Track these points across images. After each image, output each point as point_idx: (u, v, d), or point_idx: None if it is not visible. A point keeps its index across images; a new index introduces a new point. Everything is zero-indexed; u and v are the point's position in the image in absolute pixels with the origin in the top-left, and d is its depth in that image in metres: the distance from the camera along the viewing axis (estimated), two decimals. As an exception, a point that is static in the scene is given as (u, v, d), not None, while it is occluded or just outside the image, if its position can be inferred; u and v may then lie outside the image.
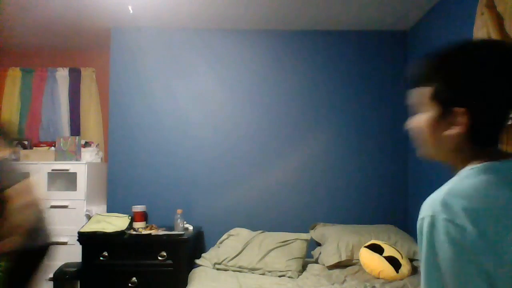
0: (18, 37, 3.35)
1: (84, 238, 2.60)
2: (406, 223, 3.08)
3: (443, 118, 0.78)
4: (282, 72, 3.21)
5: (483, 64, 0.74)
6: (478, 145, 0.77)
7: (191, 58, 3.21)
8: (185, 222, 2.79)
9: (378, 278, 2.37)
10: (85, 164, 3.01)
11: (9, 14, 2.89)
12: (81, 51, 3.68)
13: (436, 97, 0.78)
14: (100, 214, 2.84)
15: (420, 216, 0.70)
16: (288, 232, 2.83)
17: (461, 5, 2.36)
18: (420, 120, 0.82)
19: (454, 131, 0.76)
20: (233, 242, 2.77)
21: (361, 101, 3.19)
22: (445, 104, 0.77)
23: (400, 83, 3.20)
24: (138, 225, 2.72)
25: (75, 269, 2.67)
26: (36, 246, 1.85)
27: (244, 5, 2.80)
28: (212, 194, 3.13)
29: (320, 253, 2.72)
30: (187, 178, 3.13)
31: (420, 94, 0.81)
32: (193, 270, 2.65)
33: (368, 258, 2.46)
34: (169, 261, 2.57)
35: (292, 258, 2.58)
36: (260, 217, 3.09)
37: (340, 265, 2.55)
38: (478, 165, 0.75)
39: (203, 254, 2.83)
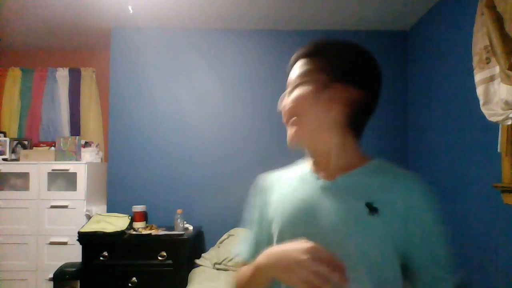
0: (18, 37, 3.35)
1: (84, 238, 2.60)
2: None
3: (322, 92, 0.79)
4: (282, 72, 3.20)
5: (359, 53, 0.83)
6: (355, 131, 0.82)
7: (191, 58, 3.21)
8: (185, 222, 2.79)
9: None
10: (85, 164, 3.01)
11: (9, 14, 2.89)
12: (81, 51, 3.68)
13: (319, 70, 0.80)
14: (100, 214, 2.84)
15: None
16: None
17: (461, 5, 2.36)
18: (298, 94, 0.80)
19: (334, 105, 0.78)
20: (233, 242, 2.77)
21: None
22: (327, 77, 0.79)
23: (400, 82, 3.20)
24: (138, 225, 2.72)
25: (75, 269, 2.66)
26: None
27: (244, 5, 2.80)
28: (212, 194, 3.12)
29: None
30: (187, 178, 3.13)
31: (301, 67, 0.82)
32: (193, 270, 2.65)
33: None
34: (169, 261, 2.57)
35: (292, 258, 2.58)
36: (260, 217, 3.09)
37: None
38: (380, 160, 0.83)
39: (203, 254, 2.83)
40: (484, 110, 1.91)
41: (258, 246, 0.88)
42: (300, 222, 0.79)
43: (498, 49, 1.72)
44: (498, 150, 1.96)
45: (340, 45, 0.84)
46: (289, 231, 0.79)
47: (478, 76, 1.94)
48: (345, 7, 2.79)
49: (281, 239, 0.79)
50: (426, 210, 0.75)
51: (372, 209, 0.73)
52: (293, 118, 0.80)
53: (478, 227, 2.16)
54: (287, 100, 0.82)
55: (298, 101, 0.80)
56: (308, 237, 0.73)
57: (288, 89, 0.84)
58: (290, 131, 0.81)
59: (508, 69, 1.67)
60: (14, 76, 3.61)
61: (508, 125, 1.87)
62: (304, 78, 0.81)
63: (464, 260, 2.29)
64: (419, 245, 0.74)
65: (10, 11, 2.84)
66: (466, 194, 2.29)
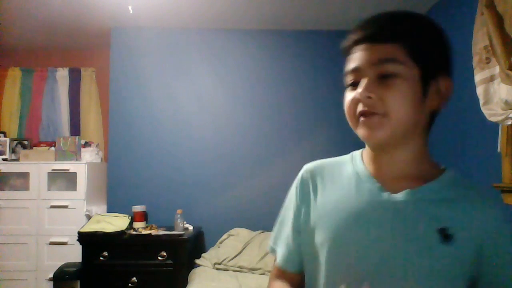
0: (18, 37, 3.35)
1: (84, 238, 2.60)
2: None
3: (424, 84, 0.65)
4: (282, 72, 3.21)
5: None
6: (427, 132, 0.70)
7: (191, 58, 3.21)
8: (185, 222, 2.79)
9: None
10: (85, 164, 3.01)
11: (9, 14, 2.89)
12: (81, 51, 3.68)
13: (419, 55, 0.64)
14: (100, 214, 2.84)
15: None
16: (288, 232, 2.83)
17: (461, 4, 2.36)
18: (391, 90, 0.63)
19: (436, 102, 0.66)
20: (233, 242, 2.77)
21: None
22: (428, 66, 0.64)
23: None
24: (138, 225, 2.72)
25: (75, 269, 2.66)
26: None
27: (244, 5, 2.79)
28: (212, 194, 3.12)
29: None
30: (187, 178, 3.13)
31: (376, 52, 0.64)
32: (193, 270, 2.65)
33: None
34: (169, 261, 2.57)
35: (292, 258, 2.58)
36: (260, 217, 3.09)
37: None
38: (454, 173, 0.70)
39: (203, 254, 2.83)
40: (484, 110, 1.90)
41: (297, 253, 0.77)
42: (354, 242, 0.66)
43: (498, 49, 1.72)
44: (498, 150, 1.96)
45: (420, 24, 0.68)
46: (339, 251, 0.68)
47: (478, 76, 1.94)
48: (345, 7, 2.79)
49: (329, 258, 0.68)
50: (504, 235, 0.65)
51: (446, 236, 0.62)
52: (377, 115, 0.64)
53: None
54: (365, 93, 0.64)
55: (389, 98, 0.63)
56: (362, 262, 0.65)
57: (351, 79, 0.68)
58: (371, 128, 0.65)
59: (508, 69, 1.67)
60: (14, 76, 3.61)
61: (508, 125, 1.87)
62: (388, 69, 0.63)
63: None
64: (490, 272, 0.65)
65: (10, 11, 2.84)
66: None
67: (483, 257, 0.64)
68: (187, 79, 3.19)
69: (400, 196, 0.66)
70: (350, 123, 0.70)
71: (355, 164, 0.75)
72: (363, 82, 0.65)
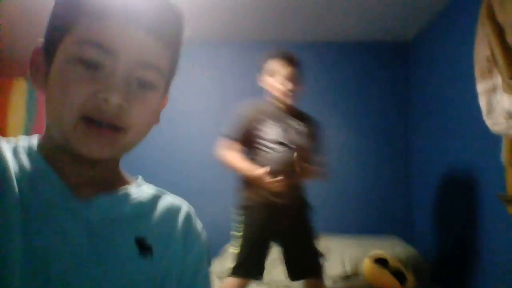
0: (21, 46, 3.38)
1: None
2: (412, 234, 3.04)
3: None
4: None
5: None
6: None
7: (192, 59, 3.25)
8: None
9: (383, 290, 2.34)
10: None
11: (11, 23, 2.92)
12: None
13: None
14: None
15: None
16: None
17: (463, 15, 2.38)
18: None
19: None
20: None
21: (361, 110, 3.19)
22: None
23: (402, 94, 3.20)
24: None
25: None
26: None
27: (244, 16, 2.83)
28: (215, 198, 3.11)
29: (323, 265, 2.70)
30: (188, 182, 3.12)
31: None
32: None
33: (372, 271, 2.43)
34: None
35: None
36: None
37: (343, 278, 2.53)
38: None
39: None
40: (487, 120, 1.90)
41: None
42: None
43: (500, 59, 1.72)
44: (502, 160, 1.96)
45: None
46: None
47: (481, 86, 1.94)
48: (346, 18, 2.82)
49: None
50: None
51: (144, 247, 0.56)
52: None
53: (482, 237, 2.14)
54: None
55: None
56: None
57: None
58: None
59: (510, 79, 1.68)
60: (19, 86, 3.63)
61: (511, 135, 1.87)
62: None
63: (468, 270, 2.26)
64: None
65: (12, 20, 2.87)
66: (470, 204, 2.28)
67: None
68: (187, 79, 3.21)
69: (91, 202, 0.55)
70: None
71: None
72: None
